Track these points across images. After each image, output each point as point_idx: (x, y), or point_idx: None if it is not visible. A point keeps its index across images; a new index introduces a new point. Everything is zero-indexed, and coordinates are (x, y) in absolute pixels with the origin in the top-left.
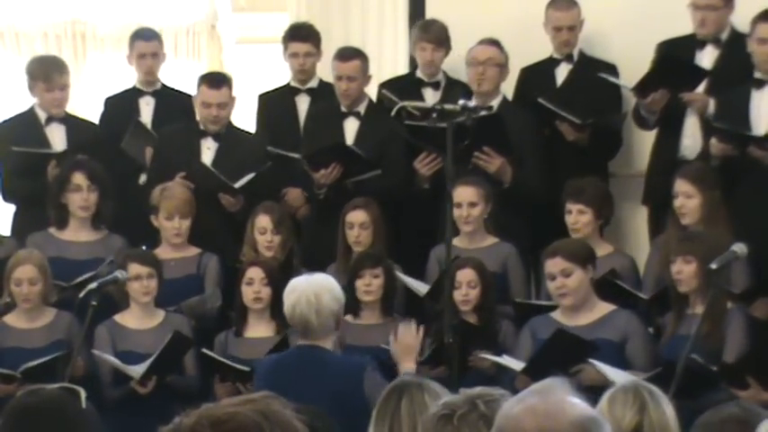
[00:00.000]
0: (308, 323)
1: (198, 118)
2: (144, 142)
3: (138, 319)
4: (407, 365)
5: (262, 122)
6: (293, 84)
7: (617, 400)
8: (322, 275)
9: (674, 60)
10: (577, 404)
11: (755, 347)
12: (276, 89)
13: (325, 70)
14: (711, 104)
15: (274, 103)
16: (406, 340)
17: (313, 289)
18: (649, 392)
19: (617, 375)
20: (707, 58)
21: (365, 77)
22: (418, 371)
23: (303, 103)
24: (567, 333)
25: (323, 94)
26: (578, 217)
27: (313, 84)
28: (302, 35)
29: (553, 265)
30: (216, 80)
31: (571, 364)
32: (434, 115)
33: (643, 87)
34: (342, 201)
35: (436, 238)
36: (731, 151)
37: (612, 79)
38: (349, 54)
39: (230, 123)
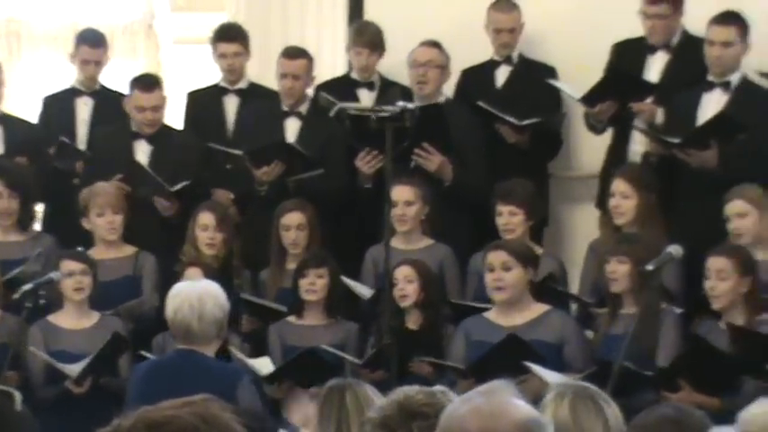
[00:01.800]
0: (190, 329)
1: (131, 120)
2: (73, 158)
3: (72, 319)
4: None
5: (189, 120)
6: (222, 84)
7: (579, 409)
8: (207, 282)
9: (622, 74)
10: (521, 406)
11: (687, 351)
12: (205, 88)
13: (254, 71)
14: (659, 113)
15: (202, 102)
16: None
17: (197, 294)
18: (599, 394)
19: (554, 378)
20: (657, 63)
21: (309, 77)
22: (359, 374)
23: (231, 104)
24: (520, 339)
25: (252, 95)
26: (510, 218)
27: (242, 85)
28: (230, 35)
29: (495, 257)
30: (148, 83)
31: (515, 369)
32: (373, 117)
33: (591, 98)
34: (282, 200)
35: (373, 240)
36: (664, 150)
37: (560, 86)
38: (296, 53)
39: (164, 125)
